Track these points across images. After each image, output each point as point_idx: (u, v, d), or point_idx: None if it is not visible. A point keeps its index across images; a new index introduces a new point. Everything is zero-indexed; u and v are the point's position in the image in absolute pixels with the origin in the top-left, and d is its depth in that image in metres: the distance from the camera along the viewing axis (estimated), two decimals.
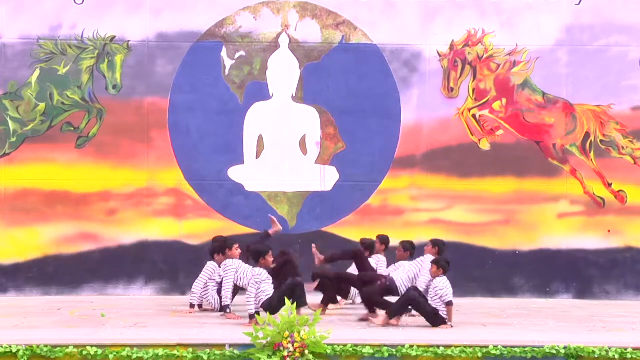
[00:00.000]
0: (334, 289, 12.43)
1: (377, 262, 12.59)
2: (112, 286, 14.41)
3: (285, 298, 10.21)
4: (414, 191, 14.92)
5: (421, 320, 11.99)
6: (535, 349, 9.60)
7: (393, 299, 11.41)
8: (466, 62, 15.01)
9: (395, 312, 11.12)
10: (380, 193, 14.66)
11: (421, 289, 11.40)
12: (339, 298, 12.75)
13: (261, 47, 15.00)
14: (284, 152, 14.97)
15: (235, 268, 11.75)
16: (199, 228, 14.51)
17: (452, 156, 14.92)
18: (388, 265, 12.49)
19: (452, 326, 10.94)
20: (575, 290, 14.77)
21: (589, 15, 15.05)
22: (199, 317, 11.85)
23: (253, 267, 11.30)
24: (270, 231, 12.85)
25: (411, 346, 9.54)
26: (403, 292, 11.37)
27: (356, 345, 9.54)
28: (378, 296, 11.57)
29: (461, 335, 10.29)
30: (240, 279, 11.63)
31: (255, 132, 15.01)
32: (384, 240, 12.90)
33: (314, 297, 12.22)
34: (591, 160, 15.02)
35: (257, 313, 10.70)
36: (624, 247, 14.96)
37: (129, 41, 14.84)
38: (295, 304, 9.84)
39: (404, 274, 11.76)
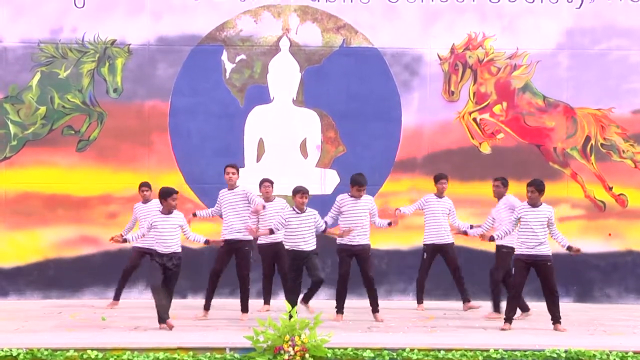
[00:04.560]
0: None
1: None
2: (112, 290, 14.38)
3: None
4: (415, 194, 14.90)
5: (422, 321, 12.01)
6: (535, 352, 9.60)
7: None
8: (467, 66, 15.02)
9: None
10: (381, 196, 14.65)
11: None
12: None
13: (262, 50, 15.01)
14: (284, 156, 14.97)
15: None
16: (200, 231, 14.38)
17: (453, 160, 14.92)
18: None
19: None
20: (575, 293, 14.77)
21: (590, 18, 15.05)
22: (199, 321, 11.85)
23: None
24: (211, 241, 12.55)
25: (412, 350, 9.54)
26: None
27: (357, 349, 9.55)
28: None
29: (462, 338, 10.29)
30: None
31: (255, 136, 15.01)
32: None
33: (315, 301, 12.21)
34: (592, 163, 15.02)
35: None
36: (624, 250, 14.96)
37: (129, 45, 14.85)
38: None
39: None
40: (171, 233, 11.32)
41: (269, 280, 13.37)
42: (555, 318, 11.58)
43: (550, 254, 11.54)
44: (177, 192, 11.52)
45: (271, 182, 13.38)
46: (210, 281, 12.31)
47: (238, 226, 12.25)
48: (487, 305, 13.52)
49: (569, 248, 11.66)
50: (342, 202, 12.23)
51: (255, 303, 13.38)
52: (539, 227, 11.44)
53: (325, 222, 12.04)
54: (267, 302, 13.39)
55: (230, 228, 12.28)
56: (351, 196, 12.22)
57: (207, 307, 12.23)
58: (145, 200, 13.42)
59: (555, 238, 11.62)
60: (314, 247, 11.72)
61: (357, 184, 12.18)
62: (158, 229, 11.32)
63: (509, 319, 11.51)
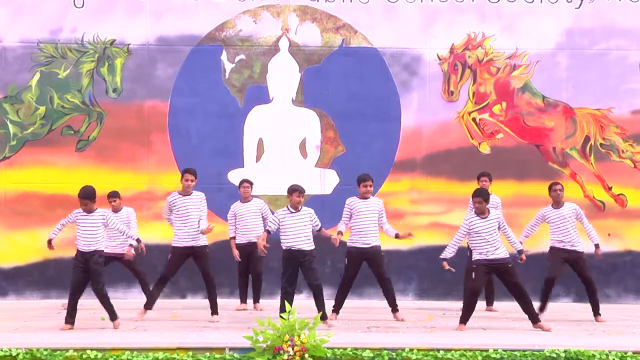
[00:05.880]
0: None
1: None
2: (112, 290, 14.28)
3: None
4: (414, 194, 14.93)
5: (421, 322, 12.03)
6: (535, 352, 9.60)
7: None
8: (466, 66, 15.03)
9: None
10: (381, 196, 14.59)
11: None
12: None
13: (261, 50, 15.02)
14: (284, 156, 14.98)
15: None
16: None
17: (452, 160, 14.93)
18: None
19: None
20: (575, 293, 14.75)
21: (589, 18, 15.07)
22: (199, 321, 11.85)
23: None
24: None
25: (411, 350, 9.54)
26: None
27: (356, 349, 9.54)
28: None
29: (461, 339, 10.29)
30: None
31: (255, 136, 15.02)
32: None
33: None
34: (591, 163, 15.03)
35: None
36: (624, 250, 14.97)
37: (129, 44, 14.85)
38: None
39: None
40: (92, 231, 11.24)
41: (244, 279, 13.53)
42: (533, 318, 11.54)
43: (509, 256, 11.47)
44: (94, 194, 11.44)
45: (250, 183, 13.60)
46: (157, 285, 12.15)
47: (193, 232, 11.99)
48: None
49: (520, 252, 11.60)
50: (351, 205, 12.20)
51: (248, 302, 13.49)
52: (489, 235, 11.35)
53: (333, 226, 11.96)
54: (243, 301, 13.49)
55: (186, 234, 12.00)
56: (360, 198, 12.21)
57: (149, 307, 12.13)
58: (115, 210, 13.21)
59: (509, 241, 11.58)
60: (312, 247, 11.60)
61: (360, 180, 12.19)
62: (80, 228, 11.27)
63: (465, 320, 11.46)
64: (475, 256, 11.49)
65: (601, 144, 15.05)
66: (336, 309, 12.20)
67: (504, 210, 14.49)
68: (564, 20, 15.08)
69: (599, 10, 15.06)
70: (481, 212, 11.46)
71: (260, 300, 13.52)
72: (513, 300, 14.32)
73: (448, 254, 11.55)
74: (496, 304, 13.52)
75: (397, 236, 12.22)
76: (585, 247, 12.58)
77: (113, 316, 11.36)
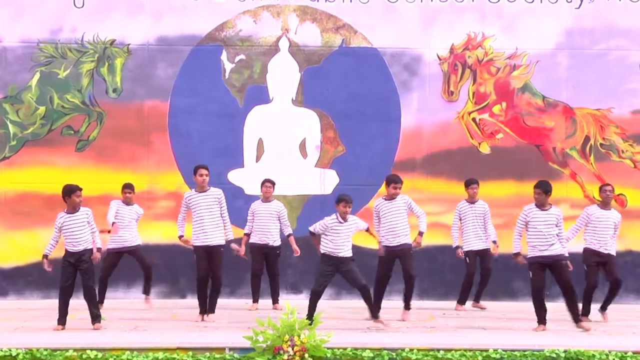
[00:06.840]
0: None
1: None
2: (112, 290, 14.36)
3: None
4: (415, 195, 14.86)
5: (421, 321, 12.03)
6: (535, 352, 9.61)
7: None
8: (466, 66, 15.03)
9: None
10: (380, 196, 14.64)
11: None
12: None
13: (261, 50, 15.02)
14: (284, 156, 14.98)
15: None
16: None
17: (452, 160, 14.93)
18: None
19: None
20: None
21: (589, 19, 15.06)
22: (199, 321, 11.84)
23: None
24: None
25: (411, 350, 9.54)
26: None
27: (356, 349, 9.55)
28: None
29: (461, 339, 10.29)
30: None
31: (255, 136, 15.02)
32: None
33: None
34: (591, 163, 15.03)
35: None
36: (624, 250, 14.93)
37: (129, 44, 14.86)
38: None
39: None
40: (80, 230, 11.25)
41: (258, 279, 13.51)
42: (575, 317, 11.55)
43: (564, 253, 11.44)
44: (80, 189, 11.46)
45: (273, 183, 13.54)
46: (199, 288, 12.08)
47: (212, 230, 11.94)
48: (486, 305, 13.55)
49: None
50: (378, 207, 12.24)
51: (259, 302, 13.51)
52: (546, 228, 11.31)
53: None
54: (255, 300, 13.48)
55: (205, 233, 11.94)
56: (385, 199, 12.24)
57: (203, 311, 12.13)
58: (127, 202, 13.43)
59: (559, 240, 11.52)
60: (350, 253, 11.54)
61: (390, 181, 12.21)
62: (66, 229, 11.26)
63: (542, 320, 11.46)
64: (530, 252, 11.45)
65: (601, 144, 15.05)
66: (375, 312, 12.09)
67: (504, 211, 14.53)
68: (564, 20, 15.07)
69: (599, 10, 15.06)
70: (541, 205, 11.39)
71: (259, 301, 13.53)
72: (513, 300, 14.40)
73: (515, 243, 11.65)
74: (496, 304, 13.54)
75: (420, 233, 12.33)
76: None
77: (96, 318, 11.29)
